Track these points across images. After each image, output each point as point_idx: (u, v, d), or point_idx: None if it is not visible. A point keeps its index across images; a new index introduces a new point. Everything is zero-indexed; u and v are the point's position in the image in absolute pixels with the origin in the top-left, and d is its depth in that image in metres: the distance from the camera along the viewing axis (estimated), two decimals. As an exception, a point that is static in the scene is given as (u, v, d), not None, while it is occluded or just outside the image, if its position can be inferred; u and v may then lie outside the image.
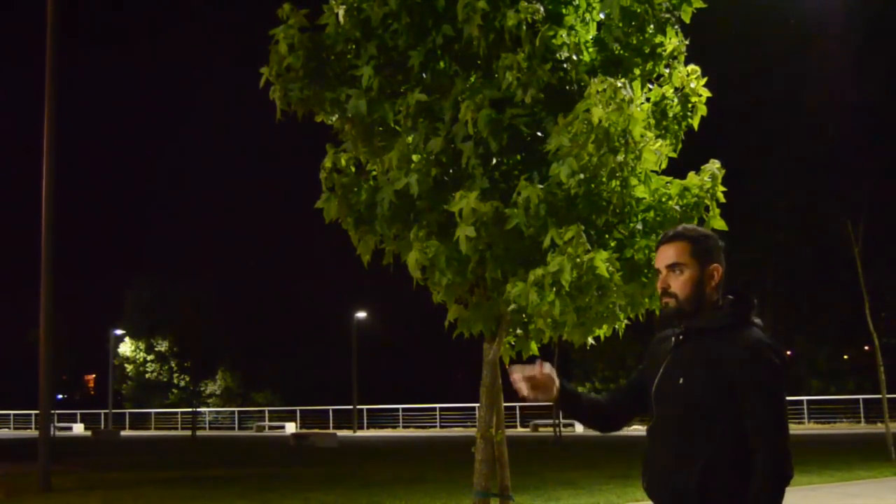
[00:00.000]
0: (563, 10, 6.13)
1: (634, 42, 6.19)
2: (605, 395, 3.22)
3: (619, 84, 5.47)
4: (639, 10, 6.05)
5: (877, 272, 33.66)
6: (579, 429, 40.85)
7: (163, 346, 61.22)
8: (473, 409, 40.89)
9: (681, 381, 2.85)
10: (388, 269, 6.46)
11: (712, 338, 2.84)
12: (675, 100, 6.42)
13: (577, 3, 6.16)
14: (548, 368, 2.96)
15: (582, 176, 5.54)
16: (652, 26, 6.15)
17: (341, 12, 6.24)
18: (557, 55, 5.96)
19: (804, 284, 44.85)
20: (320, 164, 6.39)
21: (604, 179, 5.65)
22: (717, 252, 2.94)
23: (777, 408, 2.75)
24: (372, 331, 55.05)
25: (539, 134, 5.98)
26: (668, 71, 6.39)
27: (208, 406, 60.32)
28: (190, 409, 50.98)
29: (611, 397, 3.21)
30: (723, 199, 6.15)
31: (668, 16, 6.15)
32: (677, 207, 6.06)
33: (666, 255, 2.93)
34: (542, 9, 5.91)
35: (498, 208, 5.63)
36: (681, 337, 2.93)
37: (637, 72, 6.26)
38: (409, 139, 6.09)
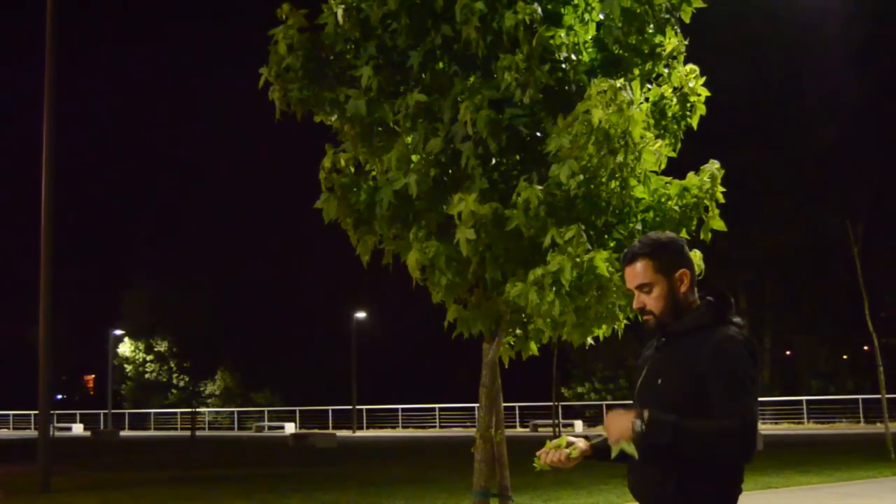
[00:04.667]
0: (562, 10, 6.13)
1: (634, 42, 6.18)
2: None
3: (619, 86, 5.46)
4: (638, 11, 6.05)
5: (876, 272, 33.68)
6: (579, 429, 40.88)
7: (162, 347, 61.16)
8: (473, 409, 40.90)
9: (659, 381, 2.87)
10: (387, 269, 6.46)
11: (690, 338, 2.86)
12: (674, 99, 6.42)
13: (575, 2, 6.16)
14: (575, 454, 2.91)
15: (582, 177, 5.54)
16: (651, 26, 6.14)
17: (340, 12, 6.24)
18: (556, 55, 5.96)
19: (804, 284, 44.88)
20: (320, 164, 6.39)
21: (603, 180, 5.65)
22: (681, 256, 2.94)
23: (743, 389, 2.71)
24: (372, 331, 55.03)
25: (538, 134, 5.98)
26: (667, 71, 6.39)
27: (208, 406, 60.28)
28: (189, 410, 50.94)
29: None
30: (722, 200, 6.15)
31: (667, 16, 6.15)
32: (676, 208, 6.06)
33: (632, 276, 2.95)
34: (539, 9, 5.90)
35: (497, 209, 5.63)
36: (663, 339, 2.95)
37: (636, 72, 6.26)
38: (409, 139, 6.09)
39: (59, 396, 70.65)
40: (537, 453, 2.96)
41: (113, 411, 56.92)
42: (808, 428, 38.20)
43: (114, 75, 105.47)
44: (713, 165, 6.18)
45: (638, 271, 2.92)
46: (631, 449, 2.77)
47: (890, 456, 18.00)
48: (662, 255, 2.91)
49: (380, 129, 6.35)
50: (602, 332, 6.07)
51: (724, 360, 2.75)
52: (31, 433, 45.99)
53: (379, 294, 49.06)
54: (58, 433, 44.99)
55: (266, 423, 51.72)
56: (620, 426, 2.74)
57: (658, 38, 6.22)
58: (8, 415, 60.74)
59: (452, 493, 13.93)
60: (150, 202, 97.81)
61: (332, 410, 51.01)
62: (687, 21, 6.26)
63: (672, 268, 2.91)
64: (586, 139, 5.44)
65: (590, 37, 6.25)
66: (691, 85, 6.39)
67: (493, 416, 6.40)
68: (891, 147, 40.00)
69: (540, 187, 5.57)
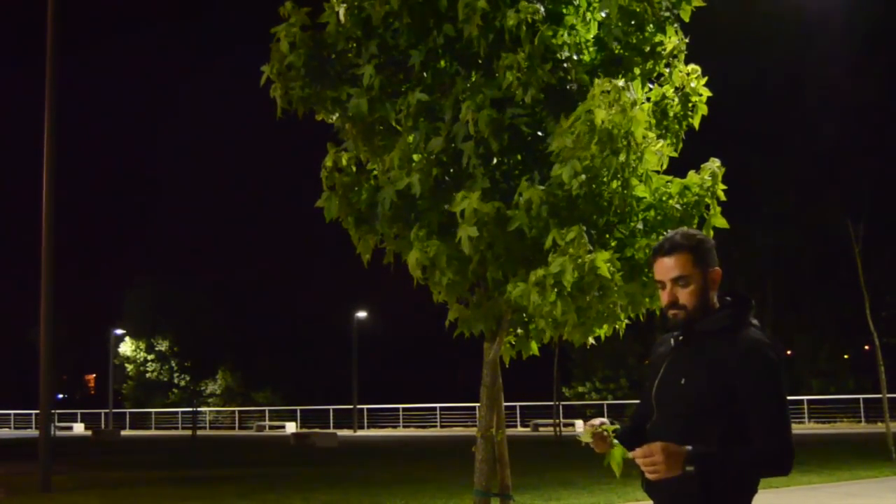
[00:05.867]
0: (563, 10, 6.12)
1: (634, 41, 6.18)
2: (628, 421, 3.20)
3: (622, 85, 5.46)
4: (638, 10, 6.04)
5: (877, 272, 33.66)
6: (579, 428, 40.91)
7: (163, 346, 61.18)
8: (474, 408, 40.87)
9: (682, 381, 2.87)
10: (388, 268, 6.46)
11: (713, 339, 2.86)
12: (676, 99, 6.41)
13: (577, 2, 6.16)
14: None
15: (584, 177, 5.53)
16: (652, 25, 6.14)
17: (341, 11, 6.23)
18: (558, 55, 5.96)
19: (804, 284, 44.87)
20: (321, 163, 6.39)
21: (605, 180, 5.65)
22: (714, 255, 2.96)
23: (778, 404, 2.77)
24: (372, 331, 55.04)
25: (540, 134, 5.98)
26: (668, 70, 6.39)
27: (209, 406, 60.32)
28: (190, 409, 50.95)
29: (637, 420, 3.16)
30: (723, 198, 6.14)
31: (667, 14, 6.15)
32: (678, 206, 6.05)
33: (668, 268, 2.92)
34: (542, 8, 5.90)
35: (500, 209, 5.63)
36: (680, 338, 2.95)
37: (637, 71, 6.25)
38: (410, 139, 6.09)
39: (60, 396, 70.63)
40: (588, 428, 2.94)
41: (114, 411, 56.96)
42: (809, 428, 38.19)
43: (114, 73, 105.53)
44: (714, 163, 6.18)
45: (677, 263, 2.90)
46: (618, 470, 2.91)
47: (891, 455, 17.99)
48: (700, 252, 2.91)
49: (381, 128, 6.35)
50: (603, 331, 6.07)
51: (756, 371, 2.76)
52: (32, 433, 45.98)
53: (380, 294, 49.12)
54: (59, 433, 44.98)
55: (267, 423, 51.74)
56: (670, 465, 2.71)
57: (658, 37, 6.21)
58: (9, 414, 60.75)
59: (453, 492, 13.93)
60: (151, 201, 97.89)
61: (333, 410, 51.02)
62: (686, 20, 6.26)
63: (707, 266, 2.91)
64: (589, 139, 5.43)
65: (591, 36, 6.24)
66: (693, 85, 6.38)
67: (494, 415, 6.39)
68: (891, 147, 39.99)
69: (542, 188, 5.57)
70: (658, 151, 5.80)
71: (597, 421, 2.93)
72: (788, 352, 48.82)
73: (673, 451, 2.70)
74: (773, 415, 2.74)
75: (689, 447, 2.71)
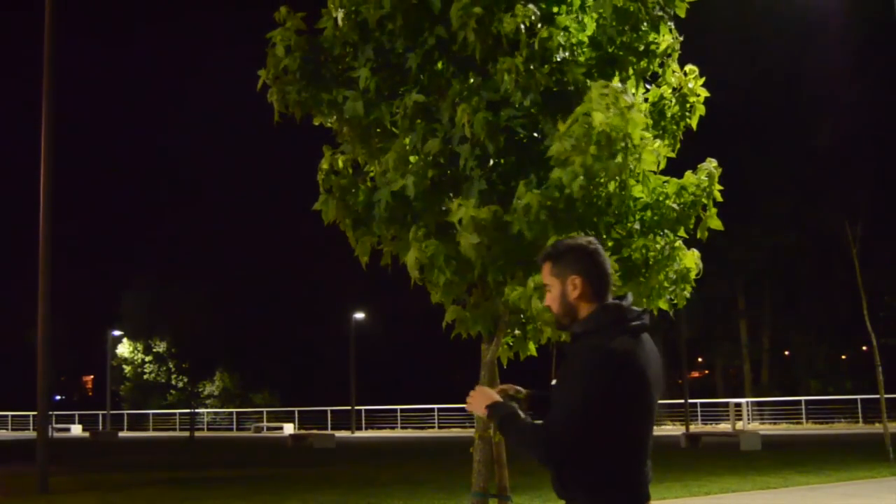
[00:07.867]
0: (556, 10, 6.12)
1: (628, 40, 6.17)
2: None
3: (620, 88, 5.45)
4: (632, 9, 6.04)
5: (875, 272, 33.69)
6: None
7: (161, 347, 61.17)
8: (472, 409, 40.78)
9: (553, 382, 3.03)
10: (386, 269, 6.47)
11: (578, 343, 2.98)
12: (674, 100, 6.42)
13: (570, 3, 6.15)
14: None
15: (583, 179, 5.53)
16: (646, 24, 6.13)
17: (340, 15, 6.24)
18: (554, 56, 5.96)
19: (802, 285, 44.93)
20: (318, 165, 6.39)
21: (602, 181, 5.65)
22: (579, 263, 3.01)
23: (570, 398, 2.81)
24: (370, 331, 54.99)
25: (536, 136, 5.97)
26: (662, 69, 6.39)
27: (206, 407, 60.25)
28: (188, 410, 50.94)
29: None
30: (720, 198, 6.15)
31: (661, 13, 6.14)
32: (675, 206, 6.06)
33: (542, 276, 3.14)
34: (537, 11, 5.89)
35: (496, 212, 5.63)
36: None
37: (631, 70, 6.25)
38: (407, 141, 6.09)
39: (58, 397, 70.65)
40: (501, 389, 3.23)
41: (112, 412, 56.86)
42: (807, 428, 38.20)
43: (111, 75, 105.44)
44: (710, 164, 6.19)
45: (541, 273, 3.12)
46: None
47: (888, 456, 18.00)
48: (559, 261, 3.04)
49: (378, 130, 6.36)
50: (601, 332, 6.06)
51: (571, 366, 2.89)
52: (30, 434, 45.98)
53: (378, 295, 49.07)
54: (56, 434, 44.97)
55: (265, 424, 51.67)
56: (476, 405, 3.09)
57: (652, 36, 6.20)
58: (6, 416, 60.69)
59: (451, 493, 13.92)
60: (149, 202, 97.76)
61: (331, 411, 50.95)
62: (682, 16, 6.23)
63: (565, 273, 3.01)
64: (587, 142, 5.43)
65: (585, 36, 6.24)
66: (690, 85, 6.39)
67: (492, 416, 6.38)
68: (890, 147, 40.05)
69: (539, 191, 5.56)
70: (655, 151, 5.81)
71: (507, 385, 3.21)
72: (786, 352, 48.88)
73: (484, 393, 3.10)
74: (560, 405, 2.83)
75: (499, 400, 3.04)
